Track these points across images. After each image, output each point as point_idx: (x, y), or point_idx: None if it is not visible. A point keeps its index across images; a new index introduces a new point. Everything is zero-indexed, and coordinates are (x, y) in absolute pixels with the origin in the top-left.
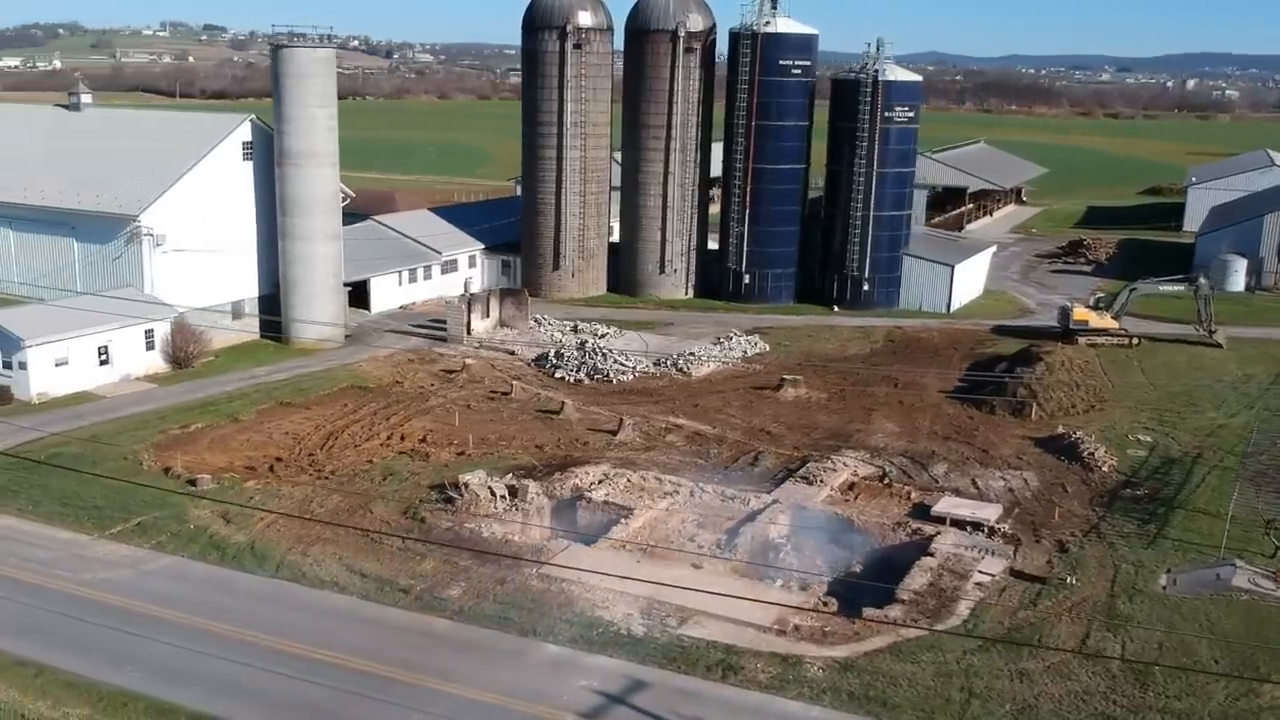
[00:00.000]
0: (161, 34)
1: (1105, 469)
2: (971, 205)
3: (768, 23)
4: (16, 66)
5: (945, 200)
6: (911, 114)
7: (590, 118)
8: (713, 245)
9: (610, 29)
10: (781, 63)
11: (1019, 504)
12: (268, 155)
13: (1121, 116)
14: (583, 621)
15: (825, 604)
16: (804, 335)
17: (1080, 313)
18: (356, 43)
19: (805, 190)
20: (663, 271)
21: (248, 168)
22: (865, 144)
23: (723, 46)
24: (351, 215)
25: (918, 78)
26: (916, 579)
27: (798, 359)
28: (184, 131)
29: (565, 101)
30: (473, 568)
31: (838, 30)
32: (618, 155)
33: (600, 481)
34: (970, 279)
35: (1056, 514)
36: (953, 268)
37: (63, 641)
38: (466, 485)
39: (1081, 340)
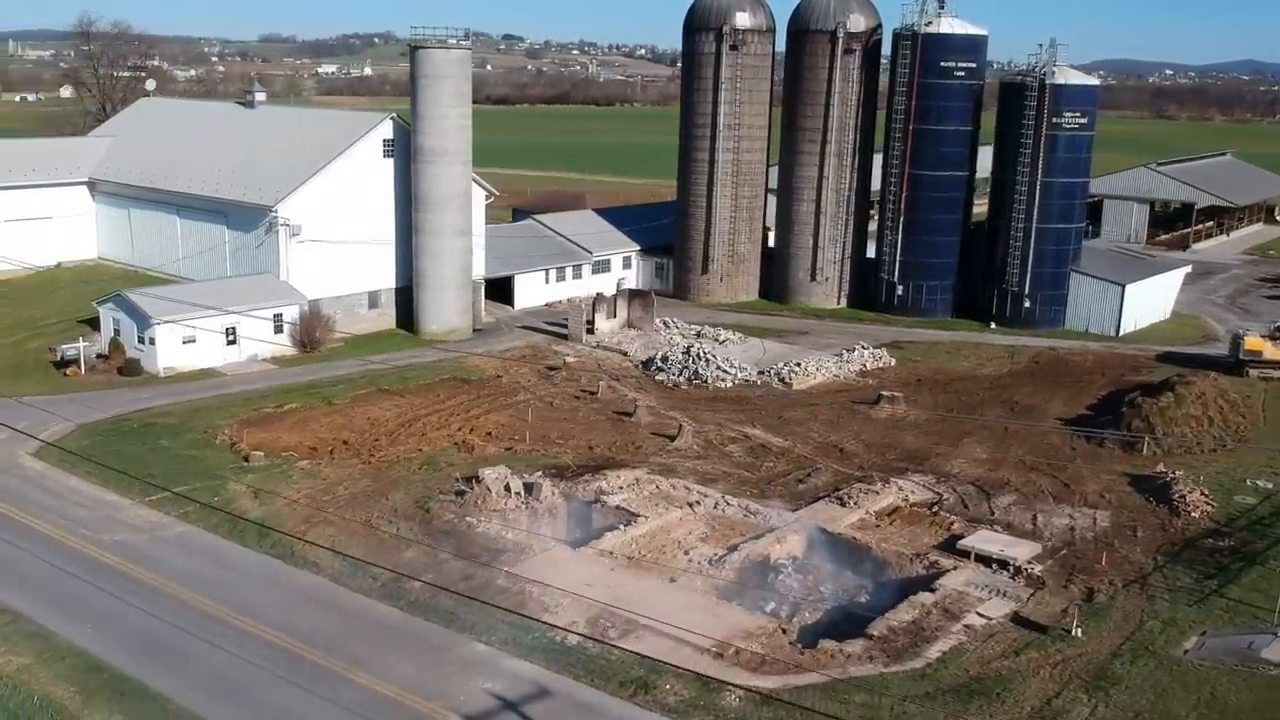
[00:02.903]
0: (465, 43)
1: (1196, 514)
2: (1210, 222)
3: (929, 23)
4: (333, 72)
5: (1179, 217)
6: (1084, 120)
7: (745, 120)
8: (873, 255)
9: (771, 30)
10: (943, 64)
11: (1071, 545)
12: (407, 152)
13: None
14: (523, 624)
15: (784, 630)
16: (942, 352)
17: (1253, 342)
18: (644, 51)
19: (968, 199)
20: (814, 279)
21: (388, 164)
22: (1029, 151)
23: (889, 49)
24: (521, 213)
25: (1093, 81)
26: (900, 614)
27: (920, 376)
28: (335, 129)
29: (719, 103)
30: (448, 561)
31: (1131, 40)
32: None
33: (626, 485)
34: (1149, 300)
35: (1104, 559)
36: (1123, 287)
37: (50, 594)
38: (479, 480)
39: (1253, 373)
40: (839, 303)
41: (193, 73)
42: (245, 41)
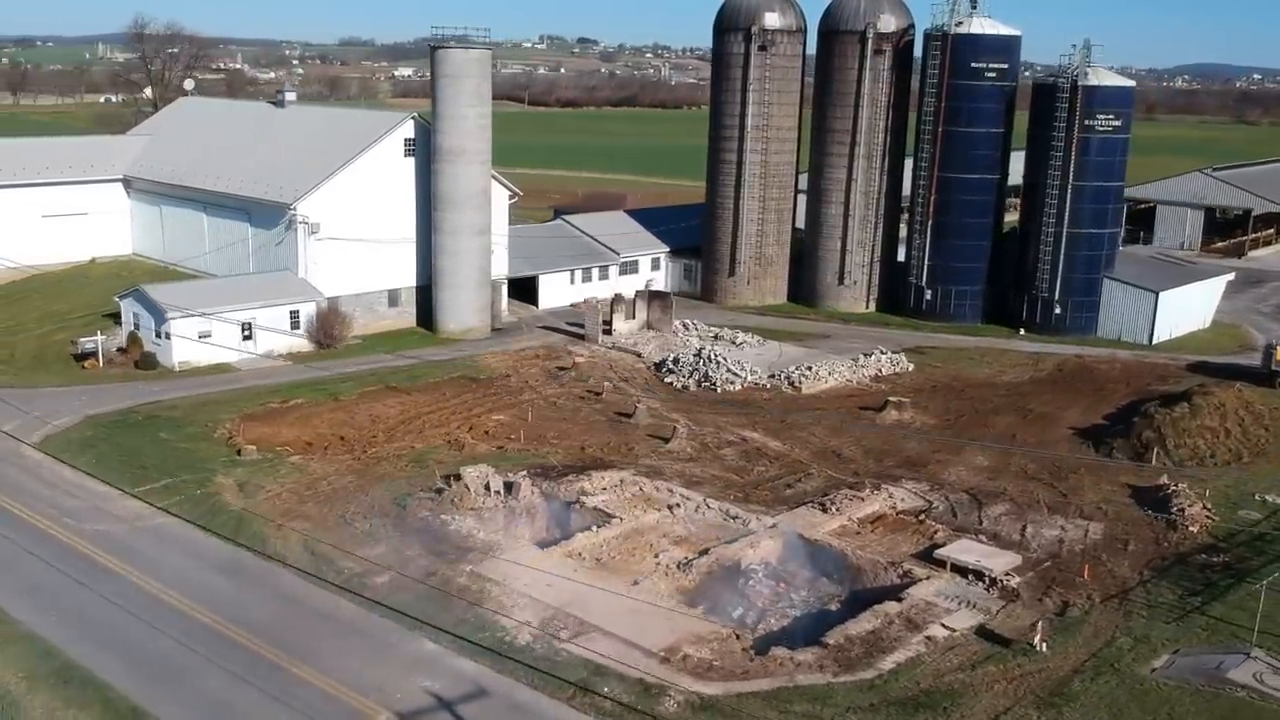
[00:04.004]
0: (539, 47)
1: (1194, 529)
2: (1270, 230)
3: (960, 23)
4: (409, 75)
5: (1239, 224)
6: (1118, 122)
7: (774, 121)
8: (903, 259)
9: (801, 30)
10: (974, 65)
11: (1057, 557)
12: (428, 152)
13: None
14: (476, 623)
15: (738, 636)
16: (964, 358)
17: None
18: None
19: (999, 203)
20: (842, 283)
21: (409, 164)
22: (1060, 154)
23: (920, 50)
24: (562, 214)
25: (1129, 83)
26: (861, 623)
27: (936, 382)
28: (359, 128)
29: (748, 104)
30: (414, 559)
31: (1222, 44)
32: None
33: (609, 487)
34: (1185, 308)
35: (1086, 572)
36: (1156, 294)
37: (23, 581)
38: (458, 478)
39: None
40: (867, 307)
41: (272, 74)
42: (325, 45)
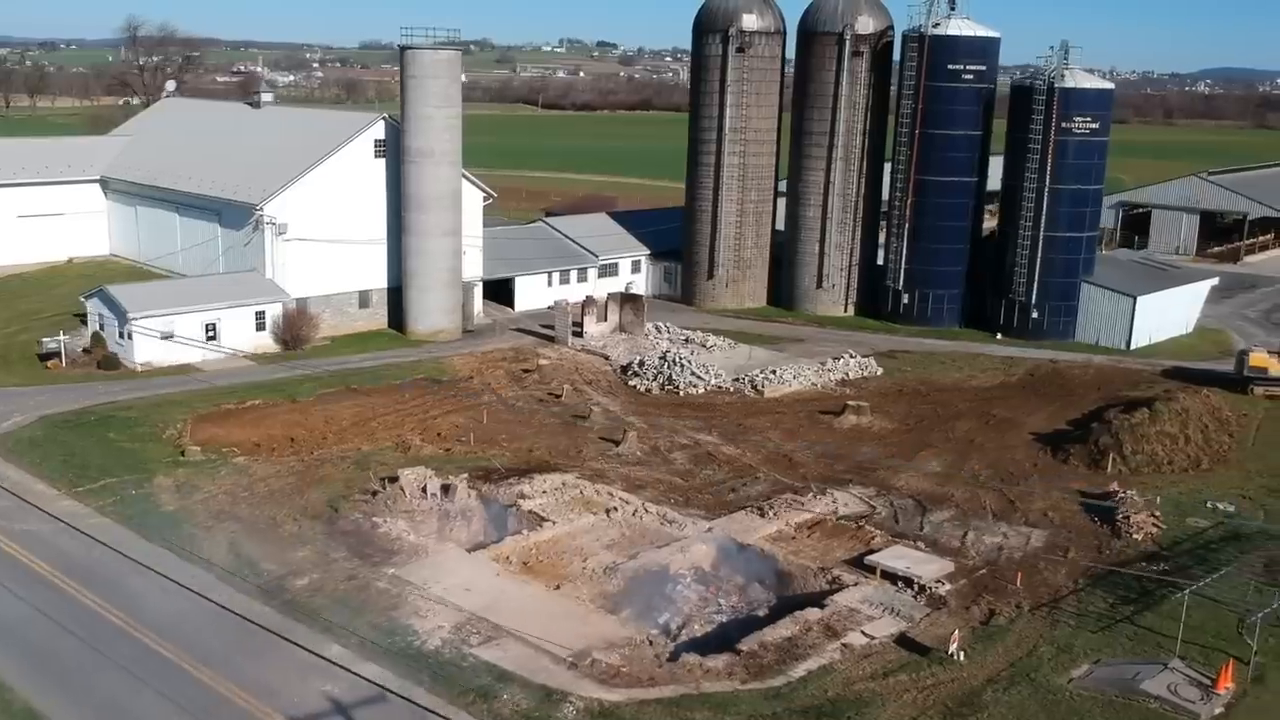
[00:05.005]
0: (559, 50)
1: (1139, 536)
2: (1269, 235)
3: (937, 24)
4: None
5: (1236, 229)
6: (1096, 125)
7: (752, 123)
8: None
9: (780, 32)
10: (951, 67)
11: (993, 564)
12: (399, 153)
13: None
14: (389, 628)
15: (651, 642)
16: (935, 362)
17: (1258, 358)
18: None
19: (978, 207)
20: (820, 286)
21: (380, 165)
22: (1037, 157)
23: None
24: (553, 216)
25: (1108, 85)
26: (777, 630)
27: (903, 387)
28: (330, 129)
29: (725, 106)
30: (337, 561)
31: (1248, 49)
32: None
33: (549, 490)
34: (1165, 313)
35: (1019, 579)
36: (1135, 299)
37: None
38: (394, 480)
39: (1258, 390)
40: (846, 310)
41: (291, 78)
42: (346, 48)
